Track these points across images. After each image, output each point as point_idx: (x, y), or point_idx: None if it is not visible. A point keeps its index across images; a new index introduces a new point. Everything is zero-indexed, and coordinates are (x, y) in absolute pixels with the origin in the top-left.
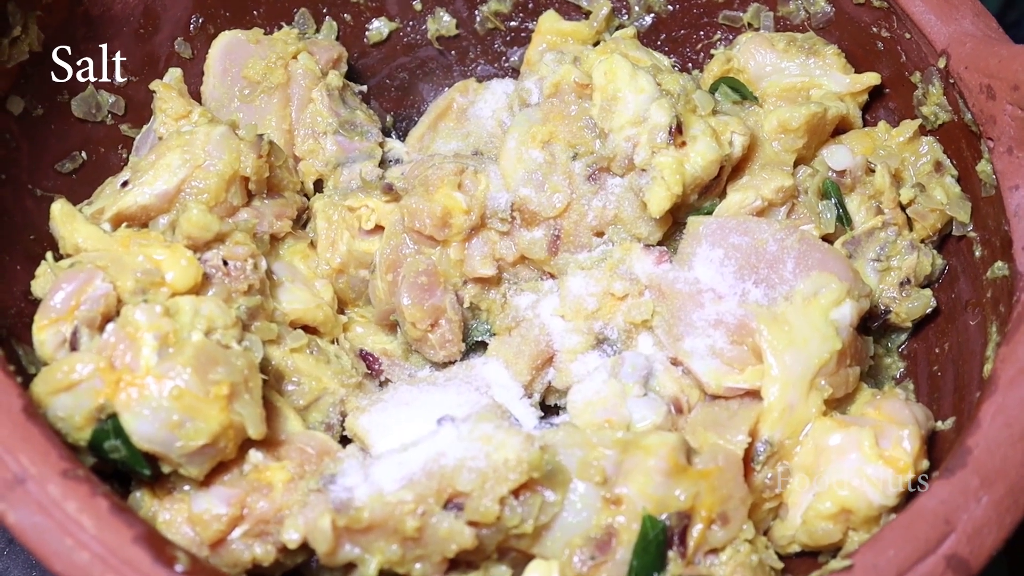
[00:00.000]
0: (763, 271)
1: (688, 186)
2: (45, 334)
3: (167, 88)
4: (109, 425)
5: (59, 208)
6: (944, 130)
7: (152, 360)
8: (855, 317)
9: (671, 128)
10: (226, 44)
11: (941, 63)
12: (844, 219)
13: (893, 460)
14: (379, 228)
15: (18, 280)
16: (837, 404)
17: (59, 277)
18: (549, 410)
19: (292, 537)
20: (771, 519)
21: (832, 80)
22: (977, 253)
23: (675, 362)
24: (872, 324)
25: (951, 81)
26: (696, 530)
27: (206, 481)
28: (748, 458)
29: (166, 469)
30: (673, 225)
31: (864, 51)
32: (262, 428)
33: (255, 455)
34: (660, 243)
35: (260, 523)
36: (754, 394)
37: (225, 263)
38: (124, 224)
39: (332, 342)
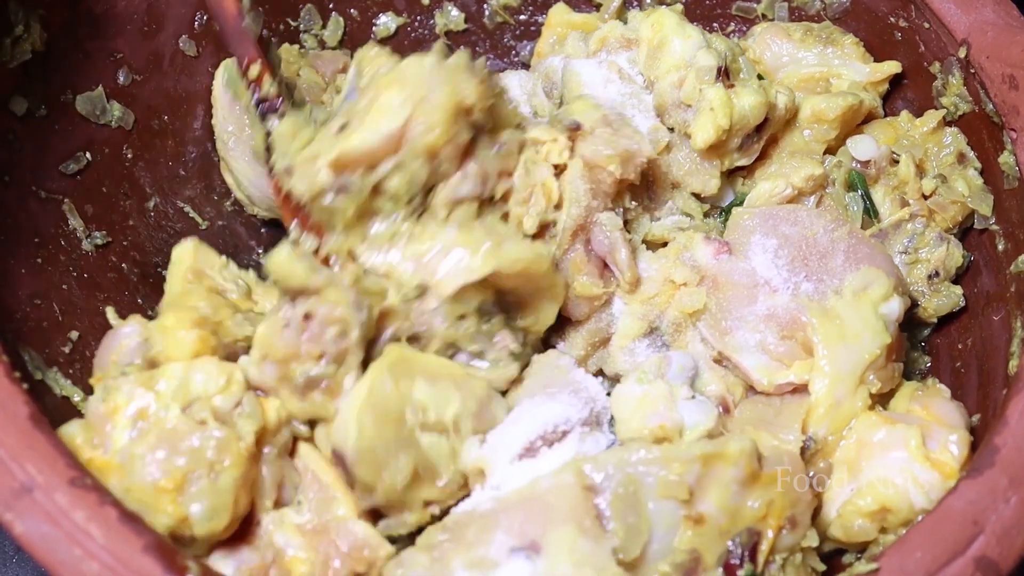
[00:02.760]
0: (813, 263)
1: (735, 123)
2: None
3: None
4: None
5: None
6: (964, 121)
7: (123, 439)
8: (901, 312)
9: (719, 70)
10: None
11: (961, 53)
12: (871, 211)
13: (940, 464)
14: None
15: (23, 284)
16: (880, 399)
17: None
18: None
19: None
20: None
21: (852, 69)
22: (1000, 247)
23: (718, 360)
24: None
25: (972, 71)
26: (766, 542)
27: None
28: None
29: None
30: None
31: (882, 41)
32: (217, 523)
33: (278, 538)
34: (714, 206)
35: None
36: (799, 389)
37: (308, 317)
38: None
39: None
